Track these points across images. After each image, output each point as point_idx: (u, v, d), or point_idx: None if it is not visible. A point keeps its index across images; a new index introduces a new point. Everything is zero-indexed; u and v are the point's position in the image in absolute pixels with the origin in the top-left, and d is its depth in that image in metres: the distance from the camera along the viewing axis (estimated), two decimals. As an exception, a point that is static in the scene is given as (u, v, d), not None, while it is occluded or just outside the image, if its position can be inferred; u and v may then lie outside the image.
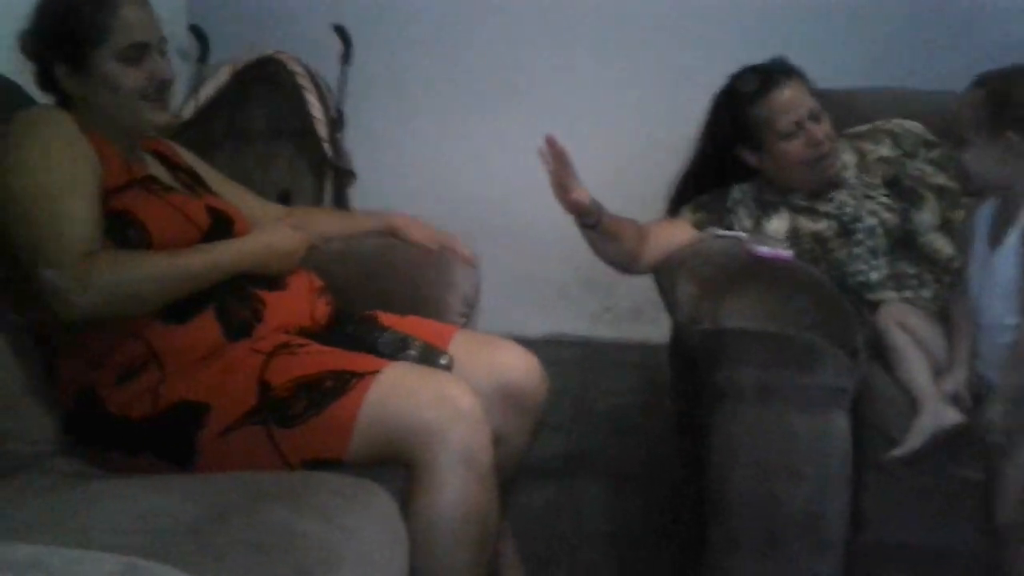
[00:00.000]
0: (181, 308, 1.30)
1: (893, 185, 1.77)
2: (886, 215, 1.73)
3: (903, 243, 1.70)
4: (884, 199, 1.75)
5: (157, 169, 1.49)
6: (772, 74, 1.76)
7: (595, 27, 3.03)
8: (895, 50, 2.85)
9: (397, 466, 1.22)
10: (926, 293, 1.67)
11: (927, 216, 1.73)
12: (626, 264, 1.84)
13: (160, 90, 1.41)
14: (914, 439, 1.41)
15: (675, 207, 1.93)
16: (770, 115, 1.74)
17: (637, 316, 3.20)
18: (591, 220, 1.80)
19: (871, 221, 1.73)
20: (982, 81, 1.46)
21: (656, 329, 2.58)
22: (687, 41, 2.94)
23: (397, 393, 1.23)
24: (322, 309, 1.47)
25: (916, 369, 1.50)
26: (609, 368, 3.02)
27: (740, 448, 1.44)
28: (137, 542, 0.93)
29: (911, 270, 1.70)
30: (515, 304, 3.12)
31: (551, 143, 1.74)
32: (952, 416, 1.41)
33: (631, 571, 1.86)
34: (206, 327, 1.31)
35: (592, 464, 2.33)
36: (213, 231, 1.41)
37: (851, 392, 1.44)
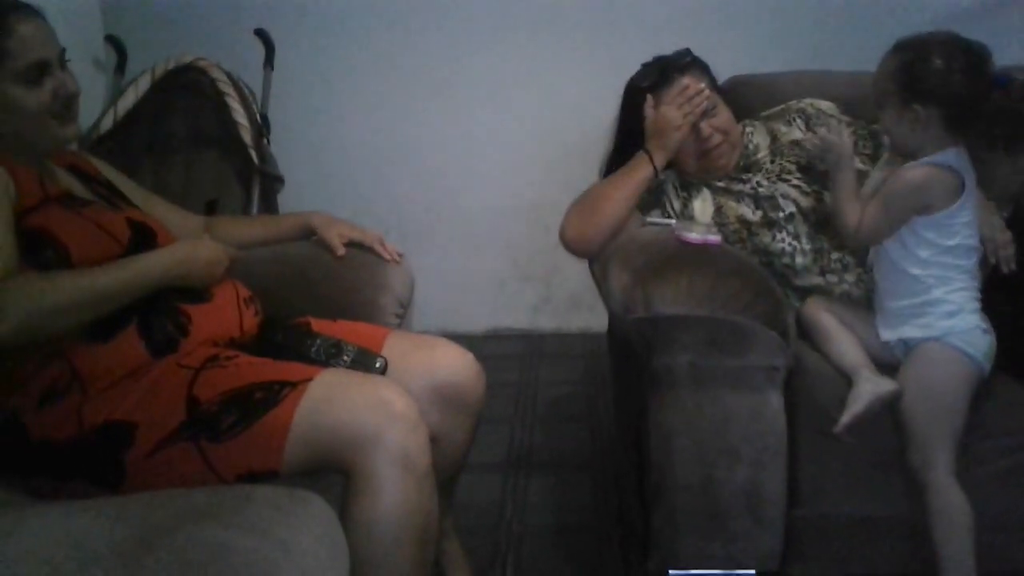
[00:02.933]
0: (103, 326, 1.27)
1: (807, 169, 1.80)
2: (800, 199, 1.76)
3: (824, 227, 1.73)
4: (797, 182, 1.78)
5: (73, 184, 1.45)
6: (668, 68, 1.80)
7: (525, 21, 3.03)
8: (811, 33, 2.91)
9: (334, 474, 1.22)
10: (850, 277, 1.70)
11: None
12: (608, 235, 1.74)
13: (66, 105, 1.37)
14: (856, 405, 1.44)
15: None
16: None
17: (576, 305, 3.22)
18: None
19: (788, 207, 1.75)
20: (898, 48, 1.51)
21: (596, 317, 2.60)
22: (618, 30, 2.97)
23: (330, 400, 1.22)
24: (251, 319, 1.45)
25: (845, 346, 1.55)
26: (551, 359, 3.04)
27: (678, 432, 1.46)
28: (65, 570, 0.91)
29: (835, 254, 1.73)
30: (454, 301, 3.13)
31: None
32: (887, 384, 1.46)
33: (578, 562, 1.87)
34: (129, 344, 1.28)
35: (536, 457, 2.34)
36: (134, 244, 1.38)
37: (783, 371, 1.47)
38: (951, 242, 1.49)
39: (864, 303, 1.66)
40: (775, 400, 1.46)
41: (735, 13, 2.92)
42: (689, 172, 1.84)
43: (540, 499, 2.12)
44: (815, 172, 1.78)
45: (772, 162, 1.82)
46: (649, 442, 1.50)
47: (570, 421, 2.57)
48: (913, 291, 1.52)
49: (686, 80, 1.77)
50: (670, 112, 1.73)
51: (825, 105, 1.91)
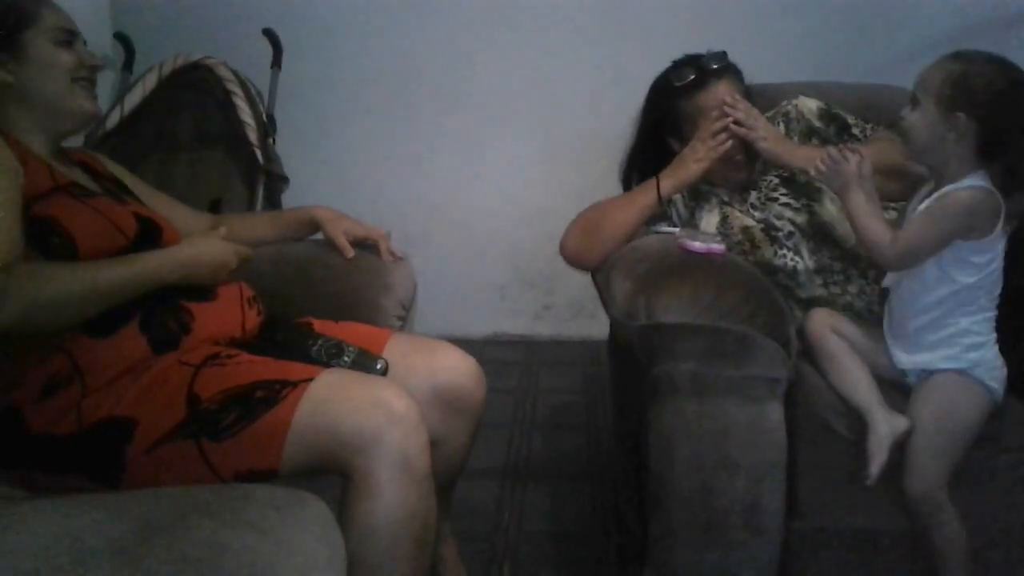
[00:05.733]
0: (105, 321, 1.27)
1: (790, 182, 1.79)
2: (791, 215, 1.76)
3: (823, 238, 1.73)
4: (786, 199, 1.77)
5: (82, 177, 1.46)
6: (706, 70, 1.78)
7: (532, 26, 3.03)
8: (825, 44, 2.92)
9: (333, 475, 1.21)
10: (852, 288, 1.70)
11: (830, 207, 1.74)
12: (608, 254, 1.71)
13: (90, 76, 1.44)
14: (880, 454, 1.43)
15: (626, 182, 1.95)
16: (696, 112, 1.76)
17: (577, 313, 3.22)
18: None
19: (785, 226, 1.75)
20: (960, 56, 1.43)
21: (596, 325, 2.60)
22: (623, 39, 2.98)
23: (331, 400, 1.22)
24: (253, 319, 1.44)
25: (857, 381, 1.50)
26: (550, 366, 3.04)
27: (677, 441, 1.46)
28: (62, 565, 0.90)
29: (837, 265, 1.72)
30: (455, 305, 3.13)
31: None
32: (901, 422, 1.44)
33: (574, 570, 1.87)
34: (131, 340, 1.28)
35: (534, 464, 2.34)
36: (140, 238, 1.38)
37: (785, 383, 1.46)
38: (994, 265, 1.43)
39: (868, 316, 1.64)
40: (775, 412, 1.45)
41: (742, 23, 2.92)
42: (707, 174, 1.78)
43: (537, 506, 2.11)
44: (799, 184, 1.78)
45: (763, 180, 1.82)
46: (648, 451, 1.49)
47: (569, 428, 2.56)
48: (942, 319, 1.46)
49: (722, 89, 1.75)
50: (695, 144, 1.72)
51: (807, 106, 1.89)
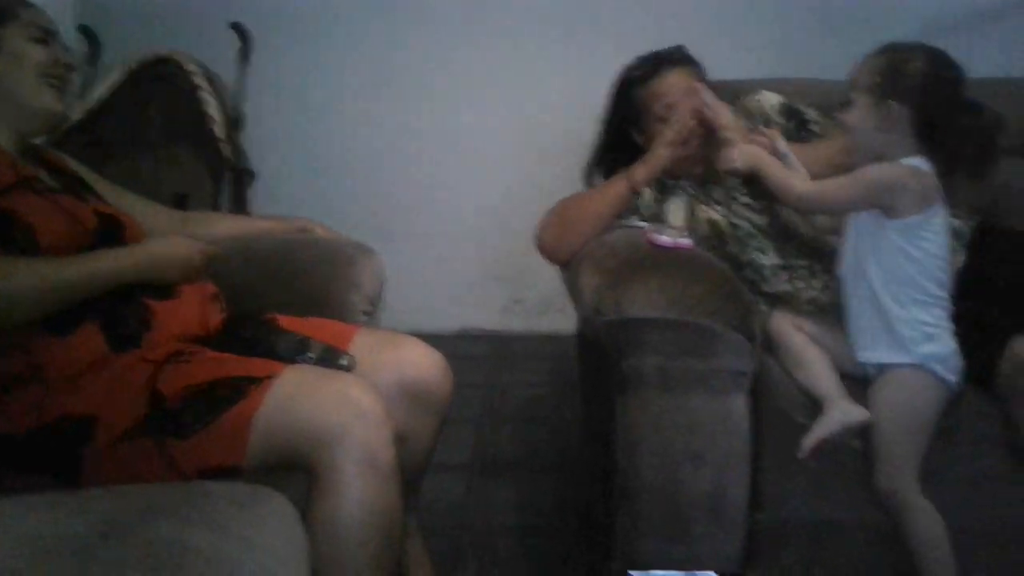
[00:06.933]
0: (65, 318, 1.26)
1: (750, 182, 1.78)
2: (752, 215, 1.77)
3: (786, 238, 1.74)
4: (745, 199, 1.79)
5: (44, 174, 1.44)
6: (662, 61, 1.83)
7: (504, 23, 3.03)
8: (799, 40, 2.94)
9: (297, 471, 1.21)
10: (816, 283, 1.71)
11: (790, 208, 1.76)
12: (584, 244, 1.72)
13: (64, 74, 1.44)
14: (819, 432, 1.45)
15: (588, 179, 1.97)
16: (649, 98, 1.81)
17: (547, 308, 3.23)
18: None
19: (743, 225, 1.76)
20: (886, 48, 1.49)
21: (566, 320, 2.59)
22: (595, 37, 2.98)
23: (295, 396, 1.21)
24: (215, 316, 1.43)
25: (817, 369, 1.52)
26: (520, 361, 3.05)
27: (644, 434, 1.47)
28: (18, 566, 0.89)
29: (802, 261, 1.74)
30: (425, 300, 3.13)
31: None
32: (858, 413, 1.46)
33: (542, 564, 1.87)
34: (91, 337, 1.27)
35: (502, 458, 2.35)
36: (102, 235, 1.37)
37: (750, 376, 1.48)
38: (919, 252, 1.45)
39: (832, 312, 1.66)
40: (741, 404, 1.46)
41: (715, 21, 2.94)
42: (680, 162, 1.79)
43: (505, 500, 2.12)
44: (759, 183, 1.78)
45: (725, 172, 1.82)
46: (615, 444, 1.50)
47: (537, 423, 2.57)
48: (890, 311, 1.47)
49: (677, 77, 1.79)
50: (664, 130, 1.73)
51: (775, 99, 1.90)
